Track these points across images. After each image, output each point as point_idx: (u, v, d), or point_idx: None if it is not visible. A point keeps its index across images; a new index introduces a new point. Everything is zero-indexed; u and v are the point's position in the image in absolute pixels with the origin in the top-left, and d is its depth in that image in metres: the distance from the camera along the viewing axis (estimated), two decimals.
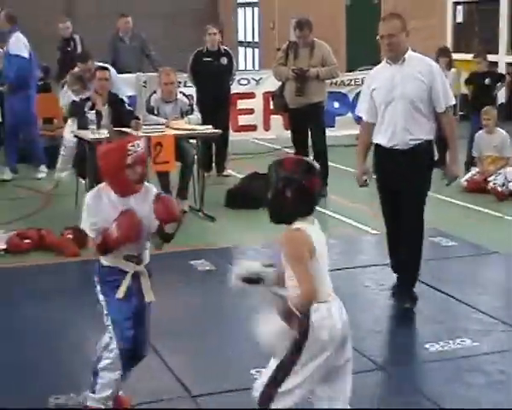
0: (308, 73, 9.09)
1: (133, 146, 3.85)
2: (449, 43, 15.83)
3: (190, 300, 5.98)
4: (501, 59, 15.01)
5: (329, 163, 9.36)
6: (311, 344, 3.35)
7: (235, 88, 11.38)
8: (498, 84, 11.10)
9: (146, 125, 8.32)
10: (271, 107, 11.34)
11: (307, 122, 9.26)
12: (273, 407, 3.40)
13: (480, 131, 9.69)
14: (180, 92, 9.20)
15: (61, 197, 9.13)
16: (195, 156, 8.92)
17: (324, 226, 8.68)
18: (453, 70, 10.98)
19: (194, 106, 9.21)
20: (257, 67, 21.99)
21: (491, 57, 12.33)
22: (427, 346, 5.05)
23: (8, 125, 10.50)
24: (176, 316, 5.61)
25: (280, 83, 9.55)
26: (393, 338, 5.36)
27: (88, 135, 8.04)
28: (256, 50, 23.25)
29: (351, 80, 12.54)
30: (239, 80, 12.03)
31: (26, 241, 7.18)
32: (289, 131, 9.75)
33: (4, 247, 7.11)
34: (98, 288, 3.99)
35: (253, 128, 12.47)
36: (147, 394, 4.45)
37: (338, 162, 9.91)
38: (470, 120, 10.96)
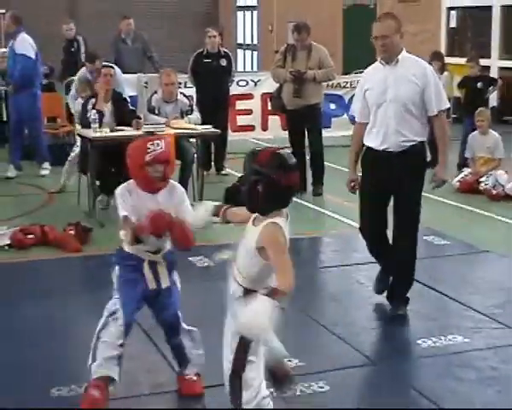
0: (305, 76, 9.09)
1: (152, 144, 4.00)
2: (443, 48, 15.86)
3: (189, 296, 5.93)
4: (493, 63, 15.05)
5: (326, 163, 9.37)
6: None
7: (234, 89, 11.40)
8: (490, 87, 11.12)
9: (147, 124, 8.31)
10: (269, 108, 11.35)
11: (304, 123, 9.26)
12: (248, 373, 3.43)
13: (474, 133, 9.70)
14: (180, 93, 9.21)
15: (64, 194, 9.11)
16: (195, 155, 8.92)
17: (320, 224, 8.69)
18: (446, 74, 11.02)
19: (194, 106, 9.22)
20: (255, 69, 22.01)
21: (483, 62, 12.35)
22: (419, 342, 5.05)
23: (13, 123, 10.48)
24: None
25: (278, 84, 9.55)
26: (387, 334, 5.36)
27: (90, 133, 8.03)
28: (255, 53, 23.27)
29: (347, 83, 12.58)
30: (238, 82, 12.04)
31: (30, 237, 7.17)
32: (287, 132, 9.74)
33: (8, 242, 7.11)
34: (116, 268, 4.18)
35: (251, 128, 12.49)
36: (147, 386, 4.45)
37: (334, 162, 9.92)
38: (463, 122, 10.98)
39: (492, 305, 5.69)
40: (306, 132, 9.37)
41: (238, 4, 24.16)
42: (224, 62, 10.41)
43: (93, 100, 8.45)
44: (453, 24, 16.56)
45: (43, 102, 10.67)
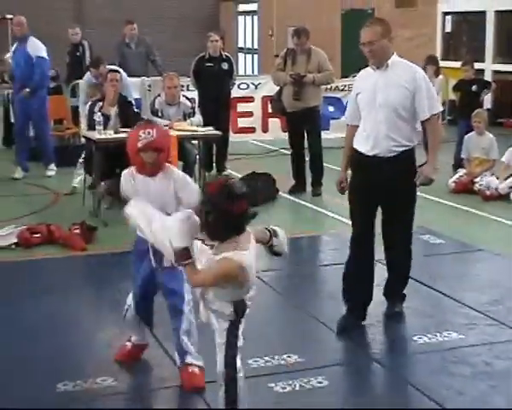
0: (305, 79, 9.09)
1: (144, 133, 4.19)
2: (438, 52, 15.86)
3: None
4: (487, 67, 15.05)
5: (324, 164, 9.36)
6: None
7: (235, 92, 11.40)
8: (484, 90, 11.11)
9: None
10: (269, 110, 11.35)
11: (304, 125, 9.27)
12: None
13: (470, 133, 9.70)
14: (183, 95, 9.22)
15: (69, 195, 9.12)
16: (197, 156, 8.93)
17: (319, 224, 8.69)
18: (440, 77, 11.01)
19: (196, 108, 9.23)
20: (256, 73, 22.04)
21: (477, 65, 12.35)
22: (415, 338, 5.06)
23: (19, 125, 10.48)
24: None
25: (278, 87, 9.56)
26: (382, 330, 5.35)
27: (95, 135, 8.03)
28: (255, 56, 23.29)
29: (345, 86, 12.56)
30: (239, 85, 12.05)
31: (36, 235, 7.18)
32: (286, 134, 9.75)
33: (15, 241, 7.12)
34: (133, 253, 4.44)
35: (251, 130, 12.50)
36: (150, 381, 4.47)
37: (332, 163, 9.84)
38: (458, 124, 10.98)
39: (486, 302, 5.69)
40: (306, 134, 9.38)
41: (239, 9, 24.17)
42: (225, 66, 10.42)
43: (100, 103, 8.46)
44: (448, 29, 16.56)
45: (50, 105, 10.67)
